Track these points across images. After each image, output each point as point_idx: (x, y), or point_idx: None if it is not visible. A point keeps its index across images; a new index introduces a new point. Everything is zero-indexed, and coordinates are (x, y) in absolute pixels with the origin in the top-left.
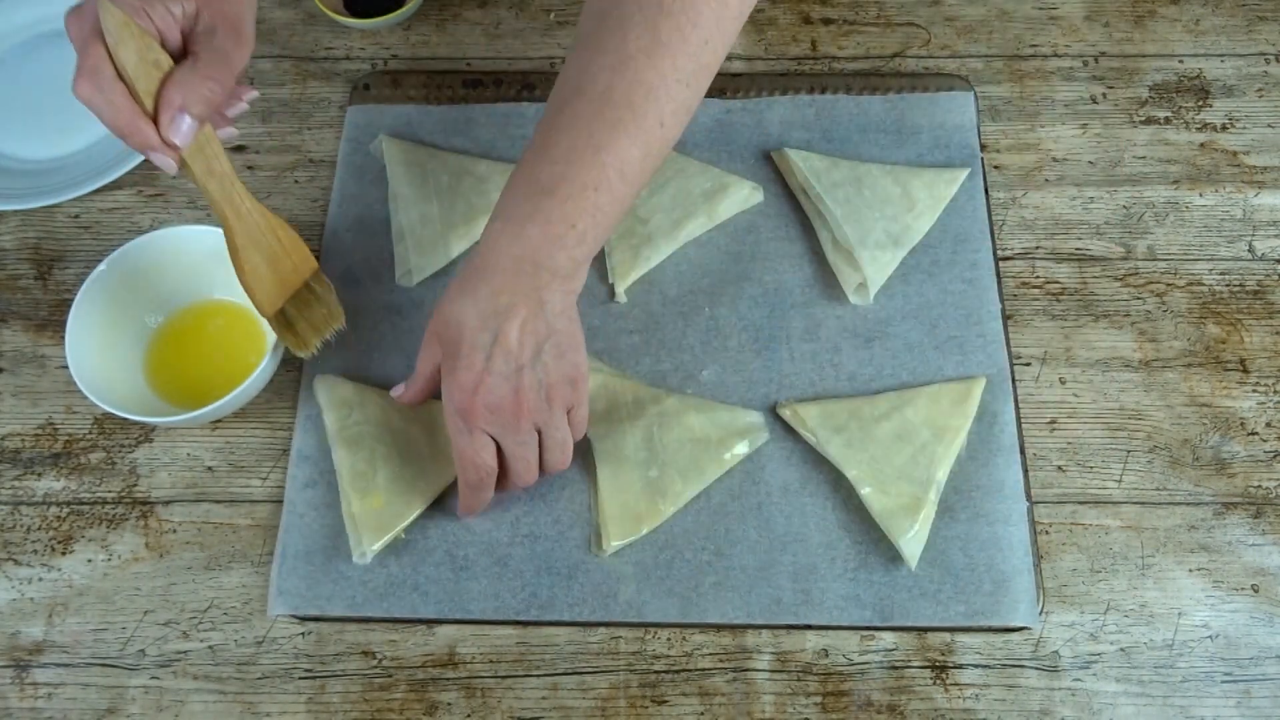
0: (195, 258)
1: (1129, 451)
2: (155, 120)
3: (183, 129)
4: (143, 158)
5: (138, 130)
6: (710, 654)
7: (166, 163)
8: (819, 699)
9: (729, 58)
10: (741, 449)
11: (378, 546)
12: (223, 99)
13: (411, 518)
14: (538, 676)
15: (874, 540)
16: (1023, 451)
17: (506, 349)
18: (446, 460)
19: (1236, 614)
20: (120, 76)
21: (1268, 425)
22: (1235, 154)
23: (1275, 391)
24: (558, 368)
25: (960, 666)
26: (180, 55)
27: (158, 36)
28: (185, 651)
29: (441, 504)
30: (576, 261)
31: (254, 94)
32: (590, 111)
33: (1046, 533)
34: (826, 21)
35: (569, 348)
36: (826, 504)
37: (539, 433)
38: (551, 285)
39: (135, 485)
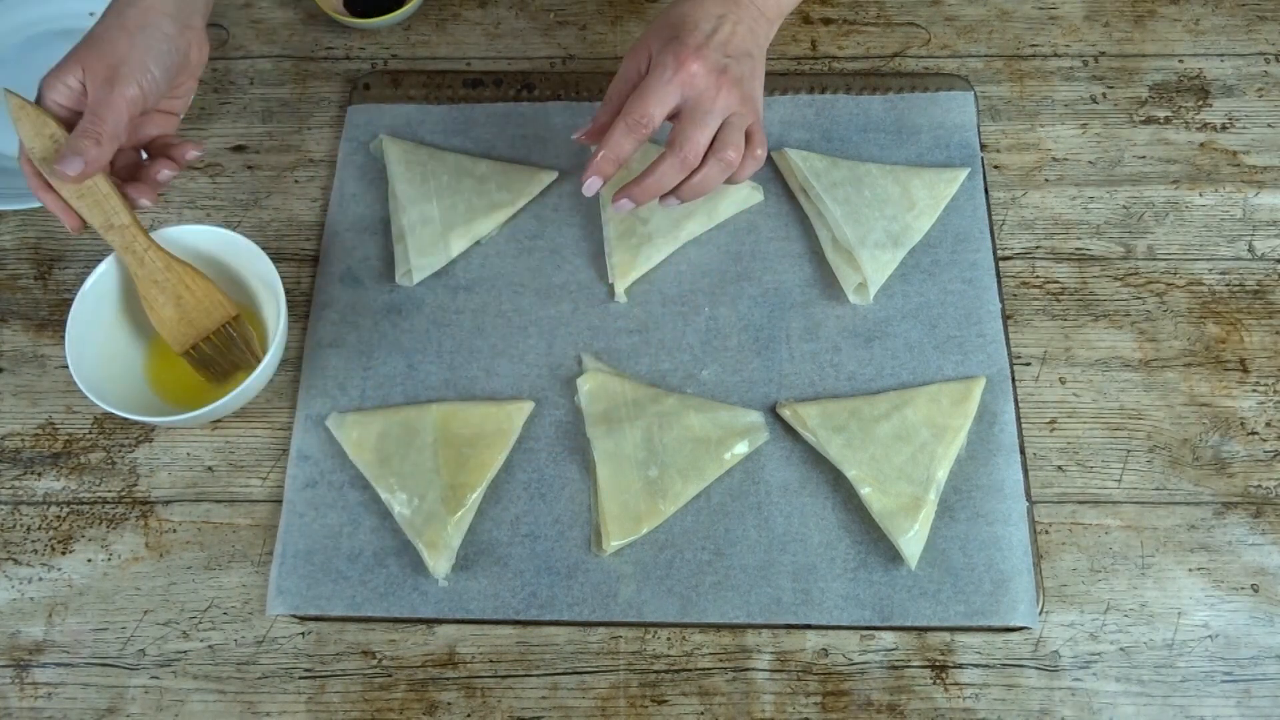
0: (194, 258)
1: (1129, 451)
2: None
3: (69, 172)
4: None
5: (43, 198)
6: (710, 654)
7: (70, 221)
8: (819, 699)
9: None
10: (741, 449)
11: (452, 565)
12: (100, 145)
13: (465, 529)
14: (538, 676)
15: (874, 540)
16: (1023, 451)
17: (723, 41)
18: (479, 460)
19: (1236, 614)
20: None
21: (1268, 425)
22: (1235, 154)
23: (1275, 391)
24: (750, 84)
25: (960, 666)
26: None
27: (56, 112)
28: (185, 651)
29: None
30: (781, 4)
31: (194, 153)
32: None
33: (1046, 532)
34: (826, 21)
35: (758, 76)
36: (826, 504)
37: (719, 130)
38: (760, 19)
39: (135, 485)
